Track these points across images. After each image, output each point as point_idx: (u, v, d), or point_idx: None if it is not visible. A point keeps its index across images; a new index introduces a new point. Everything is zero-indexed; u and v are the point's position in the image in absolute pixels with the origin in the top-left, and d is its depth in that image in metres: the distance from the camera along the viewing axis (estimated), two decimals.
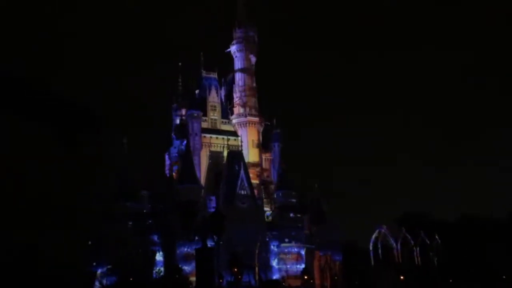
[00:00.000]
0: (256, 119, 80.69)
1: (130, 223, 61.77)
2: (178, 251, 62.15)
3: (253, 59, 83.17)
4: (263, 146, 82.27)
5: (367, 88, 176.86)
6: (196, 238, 61.54)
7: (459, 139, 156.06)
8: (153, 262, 61.12)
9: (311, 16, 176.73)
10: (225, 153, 75.79)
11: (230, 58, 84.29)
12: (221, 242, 64.97)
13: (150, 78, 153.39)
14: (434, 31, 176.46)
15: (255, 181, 75.03)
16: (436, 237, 61.99)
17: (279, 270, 68.40)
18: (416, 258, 62.41)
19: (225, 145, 77.06)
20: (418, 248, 62.05)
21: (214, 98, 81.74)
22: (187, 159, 69.81)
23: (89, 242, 51.17)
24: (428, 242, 62.18)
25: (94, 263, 58.21)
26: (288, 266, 68.86)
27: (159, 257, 62.37)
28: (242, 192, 69.76)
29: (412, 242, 62.18)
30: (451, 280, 60.90)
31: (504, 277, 62.46)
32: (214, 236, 63.68)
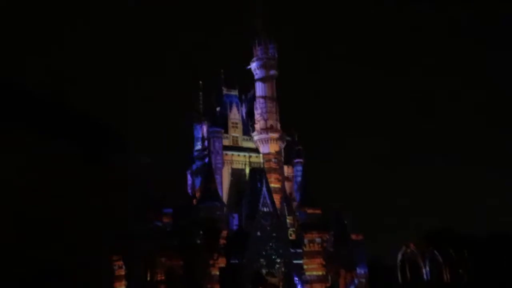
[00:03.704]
0: (278, 135, 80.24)
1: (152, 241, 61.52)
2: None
3: (274, 74, 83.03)
4: (285, 162, 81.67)
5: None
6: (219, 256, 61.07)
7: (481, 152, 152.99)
8: (175, 281, 60.62)
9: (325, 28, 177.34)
10: (247, 170, 75.47)
11: (250, 75, 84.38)
12: (244, 260, 64.41)
13: (171, 94, 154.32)
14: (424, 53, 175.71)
15: (277, 198, 74.31)
16: (465, 254, 60.32)
17: None
18: (445, 276, 60.69)
19: (247, 162, 76.76)
20: (447, 266, 60.36)
21: (235, 115, 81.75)
22: (209, 177, 69.46)
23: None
24: (457, 259, 60.47)
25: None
26: (313, 285, 67.68)
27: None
28: (265, 209, 69.16)
29: (441, 259, 60.52)
30: None
31: None
32: (238, 254, 63.24)
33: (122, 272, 60.98)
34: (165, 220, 65.08)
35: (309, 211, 71.56)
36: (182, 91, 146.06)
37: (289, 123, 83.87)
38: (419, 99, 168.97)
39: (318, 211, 71.88)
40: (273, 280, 64.60)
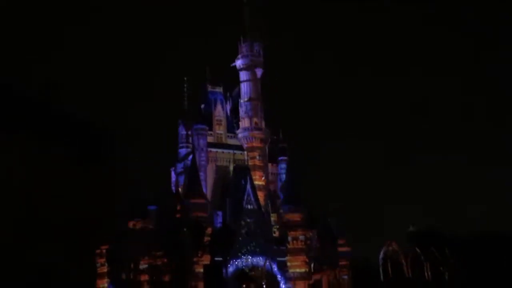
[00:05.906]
0: (262, 133, 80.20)
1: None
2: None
3: (259, 72, 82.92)
4: (270, 160, 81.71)
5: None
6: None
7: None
8: (159, 278, 60.43)
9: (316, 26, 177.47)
10: (232, 168, 75.47)
11: (235, 72, 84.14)
12: (228, 258, 64.52)
13: (155, 90, 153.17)
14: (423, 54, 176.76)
15: (261, 196, 74.39)
16: (447, 252, 61.16)
17: (287, 285, 67.58)
18: (426, 274, 61.49)
19: (231, 160, 76.75)
20: (428, 263, 61.13)
21: (219, 112, 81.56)
22: (193, 174, 69.27)
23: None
24: (439, 257, 61.27)
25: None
26: (296, 282, 68.04)
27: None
28: (249, 206, 69.32)
29: (422, 257, 61.30)
30: None
31: None
32: (222, 252, 63.31)
33: (105, 269, 60.64)
34: (149, 217, 64.84)
35: (293, 208, 71.79)
36: (166, 87, 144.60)
37: (274, 121, 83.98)
38: (419, 99, 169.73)
39: (302, 209, 72.19)
40: (257, 277, 64.85)
